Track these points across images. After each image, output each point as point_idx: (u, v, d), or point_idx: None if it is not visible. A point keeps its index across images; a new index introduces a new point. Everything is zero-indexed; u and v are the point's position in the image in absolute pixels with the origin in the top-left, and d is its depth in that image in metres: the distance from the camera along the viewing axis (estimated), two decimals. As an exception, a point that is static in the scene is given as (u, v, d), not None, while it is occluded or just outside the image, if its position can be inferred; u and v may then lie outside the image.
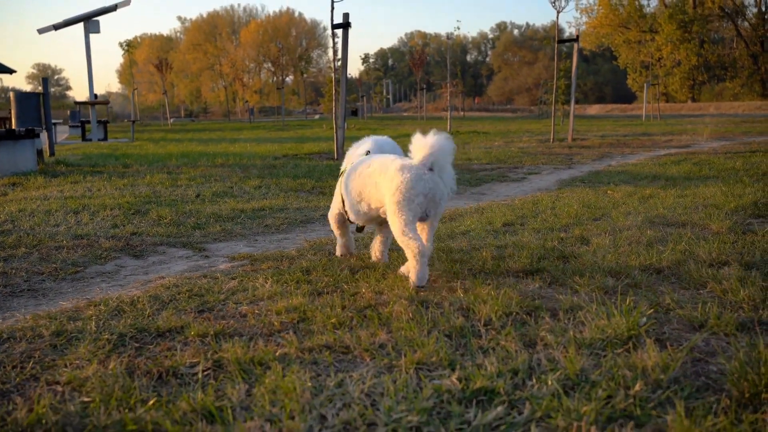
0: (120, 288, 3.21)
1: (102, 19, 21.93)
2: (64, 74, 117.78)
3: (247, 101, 55.00)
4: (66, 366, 2.11)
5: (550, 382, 1.86)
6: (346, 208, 3.34)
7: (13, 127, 11.37)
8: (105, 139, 20.43)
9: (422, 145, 2.90)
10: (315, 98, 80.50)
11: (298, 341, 2.25)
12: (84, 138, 20.53)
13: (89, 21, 21.69)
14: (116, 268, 3.62)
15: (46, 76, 27.14)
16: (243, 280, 3.13)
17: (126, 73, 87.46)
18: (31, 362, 2.16)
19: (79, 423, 1.71)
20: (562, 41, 14.51)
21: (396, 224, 2.87)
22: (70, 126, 32.60)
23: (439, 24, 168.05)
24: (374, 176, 3.05)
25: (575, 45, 14.34)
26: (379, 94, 64.40)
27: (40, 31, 21.88)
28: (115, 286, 3.25)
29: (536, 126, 25.13)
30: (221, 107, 72.66)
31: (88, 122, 21.62)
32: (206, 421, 1.72)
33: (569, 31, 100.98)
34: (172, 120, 42.37)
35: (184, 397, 1.81)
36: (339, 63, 10.95)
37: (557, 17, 14.51)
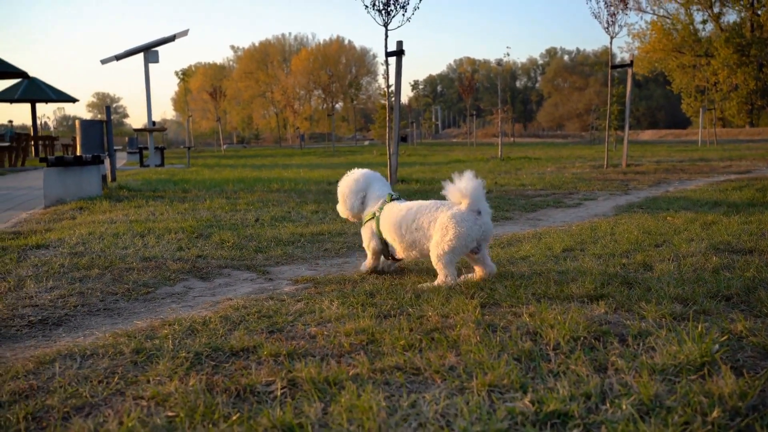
0: (190, 308, 3.32)
1: (160, 49, 22.68)
2: (121, 102, 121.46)
3: (297, 128, 55.85)
4: (148, 382, 2.19)
5: (624, 407, 1.87)
6: (398, 250, 3.78)
7: (79, 154, 11.83)
8: (162, 164, 21.00)
9: (465, 190, 3.40)
10: (364, 124, 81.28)
11: (369, 362, 2.29)
12: (142, 164, 21.14)
13: (149, 51, 22.45)
14: (185, 290, 3.73)
15: (107, 104, 28.05)
16: (309, 302, 3.20)
17: (180, 101, 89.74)
18: (116, 378, 2.26)
19: (166, 436, 1.78)
20: (615, 66, 14.40)
21: (444, 259, 3.44)
22: (128, 152, 33.60)
23: (488, 50, 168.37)
24: (424, 229, 3.54)
25: (629, 70, 14.22)
26: (428, 120, 64.68)
27: (103, 61, 22.73)
28: (185, 307, 3.35)
29: (588, 152, 24.88)
30: (272, 133, 73.92)
31: (146, 149, 22.29)
32: (286, 437, 1.77)
33: (621, 56, 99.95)
34: (225, 146, 43.29)
35: (265, 413, 1.87)
36: (392, 90, 11.08)
37: (611, 43, 14.42)
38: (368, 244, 3.91)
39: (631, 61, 14.33)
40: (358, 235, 5.48)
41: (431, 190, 8.96)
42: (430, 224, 3.50)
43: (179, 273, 4.06)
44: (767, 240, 4.53)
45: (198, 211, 7.03)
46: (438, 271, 3.50)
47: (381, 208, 3.82)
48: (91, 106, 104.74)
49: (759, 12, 54.54)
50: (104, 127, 12.41)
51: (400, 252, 3.79)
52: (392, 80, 11.00)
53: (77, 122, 12.71)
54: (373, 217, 3.86)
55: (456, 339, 2.52)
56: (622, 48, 75.12)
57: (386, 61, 10.91)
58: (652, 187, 10.02)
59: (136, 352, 2.50)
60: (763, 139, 38.06)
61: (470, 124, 41.70)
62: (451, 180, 3.47)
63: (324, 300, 3.23)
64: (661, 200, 7.68)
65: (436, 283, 3.49)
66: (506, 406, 1.89)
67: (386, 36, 10.76)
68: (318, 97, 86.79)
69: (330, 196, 8.56)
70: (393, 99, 10.91)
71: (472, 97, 42.81)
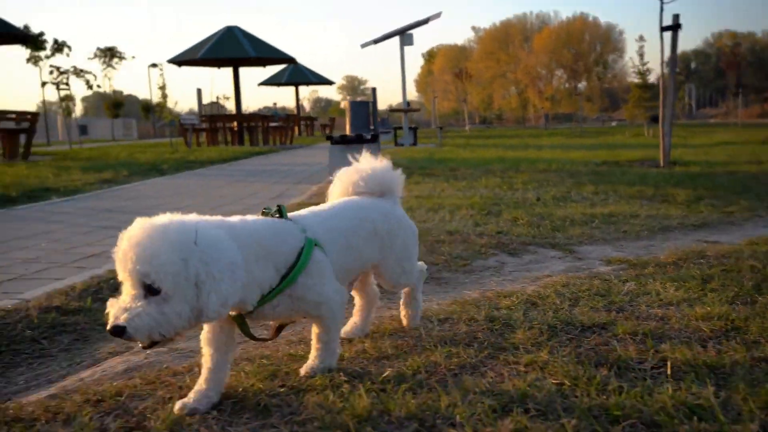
0: (511, 282, 3.41)
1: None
2: (367, 84, 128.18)
3: (541, 108, 54.94)
4: (516, 349, 2.29)
5: None
6: None
7: (348, 133, 12.72)
8: (415, 143, 21.82)
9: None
10: (609, 105, 77.67)
11: (745, 350, 2.18)
12: (396, 143, 22.15)
13: (404, 35, 23.37)
14: (498, 264, 3.85)
15: (365, 86, 29.75)
16: (640, 284, 3.13)
17: (422, 82, 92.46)
18: (476, 343, 2.39)
19: (561, 402, 1.85)
20: None
21: None
22: (380, 132, 35.34)
23: (752, 22, 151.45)
24: None
25: None
26: (682, 100, 60.06)
27: (363, 45, 24.12)
28: (506, 281, 3.45)
29: None
30: (513, 114, 73.53)
31: (399, 128, 23.31)
32: (685, 416, 1.75)
33: None
34: (468, 126, 43.89)
35: (665, 391, 1.86)
36: (667, 68, 10.43)
37: None
38: None
39: None
40: (652, 218, 5.26)
41: (711, 174, 8.31)
42: None
43: (488, 248, 4.19)
44: None
45: (476, 188, 7.22)
46: None
47: None
48: (342, 88, 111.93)
49: None
50: (370, 107, 13.19)
51: None
52: (666, 55, 10.36)
53: (346, 103, 13.63)
54: None
55: (835, 333, 2.31)
56: None
57: (661, 36, 10.29)
58: None
59: (489, 320, 2.63)
60: None
61: (734, 104, 37.95)
62: None
63: (655, 282, 3.14)
64: None
65: None
66: None
67: (661, 9, 10.17)
68: (560, 77, 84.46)
69: (603, 177, 8.31)
70: (665, 76, 10.29)
71: (735, 74, 38.82)
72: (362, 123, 13.41)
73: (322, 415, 1.80)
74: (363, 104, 13.49)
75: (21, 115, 16.57)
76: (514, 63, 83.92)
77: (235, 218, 1.99)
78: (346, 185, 2.45)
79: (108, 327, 1.65)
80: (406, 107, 22.93)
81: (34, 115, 16.80)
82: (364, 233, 2.27)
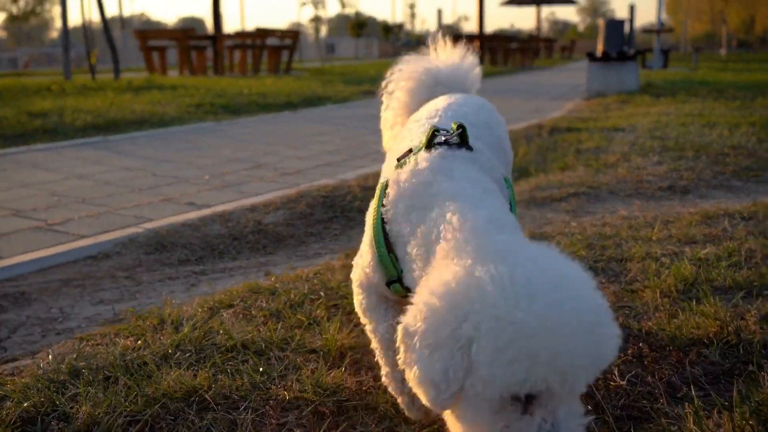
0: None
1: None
2: (611, 6, 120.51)
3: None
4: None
5: None
6: None
7: (602, 51, 12.34)
8: (665, 67, 20.47)
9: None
10: None
11: None
12: (644, 65, 20.93)
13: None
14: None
15: (611, 9, 28.20)
16: None
17: (673, 3, 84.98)
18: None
19: None
20: None
21: None
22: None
23: None
24: None
25: None
26: None
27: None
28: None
29: None
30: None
31: (649, 50, 21.92)
32: None
33: None
34: (724, 50, 39.90)
35: None
36: None
37: None
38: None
39: None
40: None
41: None
42: None
43: (781, 162, 4.06)
44: None
45: (753, 108, 6.79)
46: None
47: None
48: (581, 11, 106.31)
49: None
50: (625, 26, 12.60)
51: None
52: None
53: (601, 21, 13.12)
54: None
55: None
56: None
57: None
58: None
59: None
60: None
61: None
62: None
63: None
64: None
65: None
66: None
67: None
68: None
69: None
70: None
71: None
72: (616, 42, 12.90)
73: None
74: (618, 23, 12.92)
75: (284, 34, 18.18)
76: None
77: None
78: (423, 84, 1.93)
79: None
80: (660, 27, 21.44)
81: (295, 34, 18.31)
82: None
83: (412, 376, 1.05)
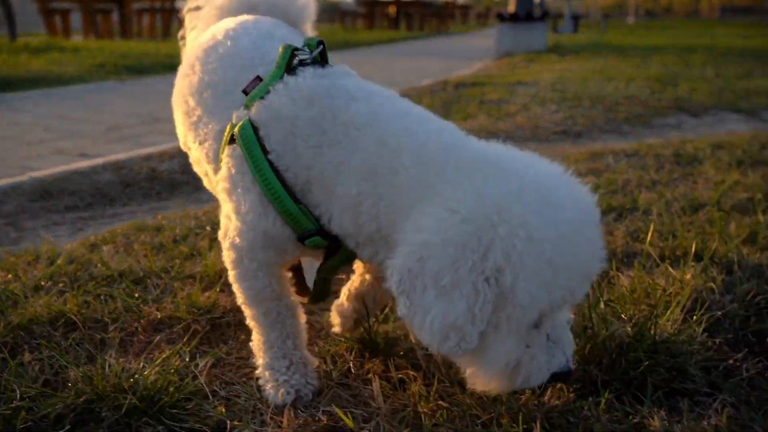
0: (693, 136, 3.50)
1: None
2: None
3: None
4: (705, 174, 2.46)
5: None
6: None
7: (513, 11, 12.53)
8: (575, 31, 20.95)
9: None
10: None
11: None
12: (555, 30, 21.35)
13: None
14: (678, 122, 3.95)
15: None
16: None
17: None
18: (664, 169, 2.58)
19: (751, 206, 2.03)
20: None
21: None
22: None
23: None
24: None
25: None
26: None
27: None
28: (687, 134, 3.55)
29: None
30: (683, 7, 67.77)
31: (559, 16, 22.37)
32: None
33: None
34: (631, 18, 41.14)
35: None
36: None
37: None
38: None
39: None
40: None
41: None
42: None
43: (667, 109, 4.26)
44: None
45: (650, 65, 7.06)
46: None
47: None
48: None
49: None
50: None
51: None
52: None
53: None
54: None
55: None
56: None
57: None
58: None
59: (676, 155, 2.80)
60: None
61: None
62: None
63: None
64: None
65: None
66: None
67: None
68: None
69: None
70: None
71: None
72: (527, 5, 13.10)
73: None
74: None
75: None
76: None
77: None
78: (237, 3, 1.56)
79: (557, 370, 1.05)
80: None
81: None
82: None
83: (424, 324, 0.94)
